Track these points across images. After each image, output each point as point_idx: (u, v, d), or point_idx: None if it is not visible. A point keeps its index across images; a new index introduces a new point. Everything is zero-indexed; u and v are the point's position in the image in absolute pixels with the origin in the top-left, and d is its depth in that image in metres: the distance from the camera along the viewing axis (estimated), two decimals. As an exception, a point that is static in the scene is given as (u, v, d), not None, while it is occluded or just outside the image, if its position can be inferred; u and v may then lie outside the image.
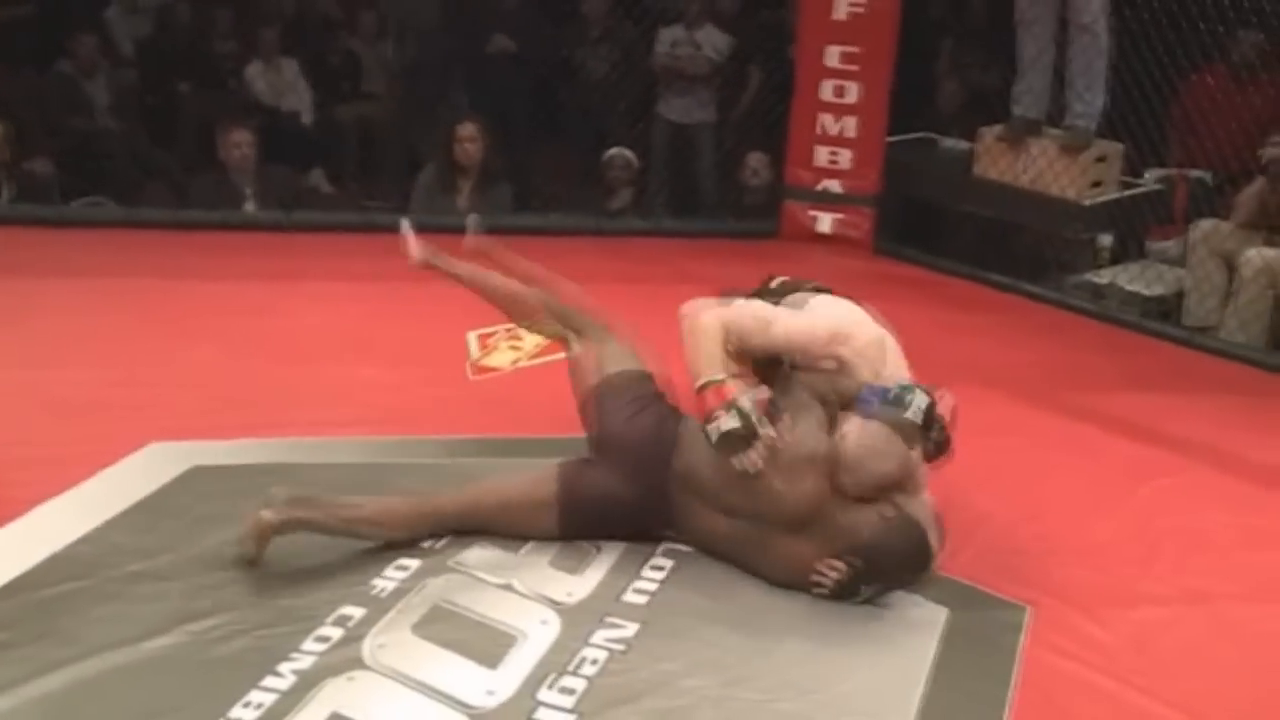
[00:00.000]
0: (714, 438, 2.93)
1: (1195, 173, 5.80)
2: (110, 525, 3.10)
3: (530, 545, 3.09)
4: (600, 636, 2.78)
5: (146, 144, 6.63)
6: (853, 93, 5.78)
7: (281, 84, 6.96)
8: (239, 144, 5.73)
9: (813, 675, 2.71)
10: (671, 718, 2.57)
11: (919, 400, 2.94)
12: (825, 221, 5.94)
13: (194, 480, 3.34)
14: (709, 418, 2.94)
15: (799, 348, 3.13)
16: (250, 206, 5.76)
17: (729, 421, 2.91)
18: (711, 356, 3.01)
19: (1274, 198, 4.98)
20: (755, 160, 6.28)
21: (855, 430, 2.92)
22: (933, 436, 2.97)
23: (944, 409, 2.99)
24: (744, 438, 2.91)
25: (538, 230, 5.82)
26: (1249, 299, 4.91)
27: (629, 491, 3.01)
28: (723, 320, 3.08)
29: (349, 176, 6.97)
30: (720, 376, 2.97)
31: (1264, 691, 2.82)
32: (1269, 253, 4.91)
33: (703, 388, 2.98)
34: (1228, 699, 2.77)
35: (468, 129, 5.79)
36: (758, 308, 3.22)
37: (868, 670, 2.75)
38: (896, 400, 2.94)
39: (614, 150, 6.31)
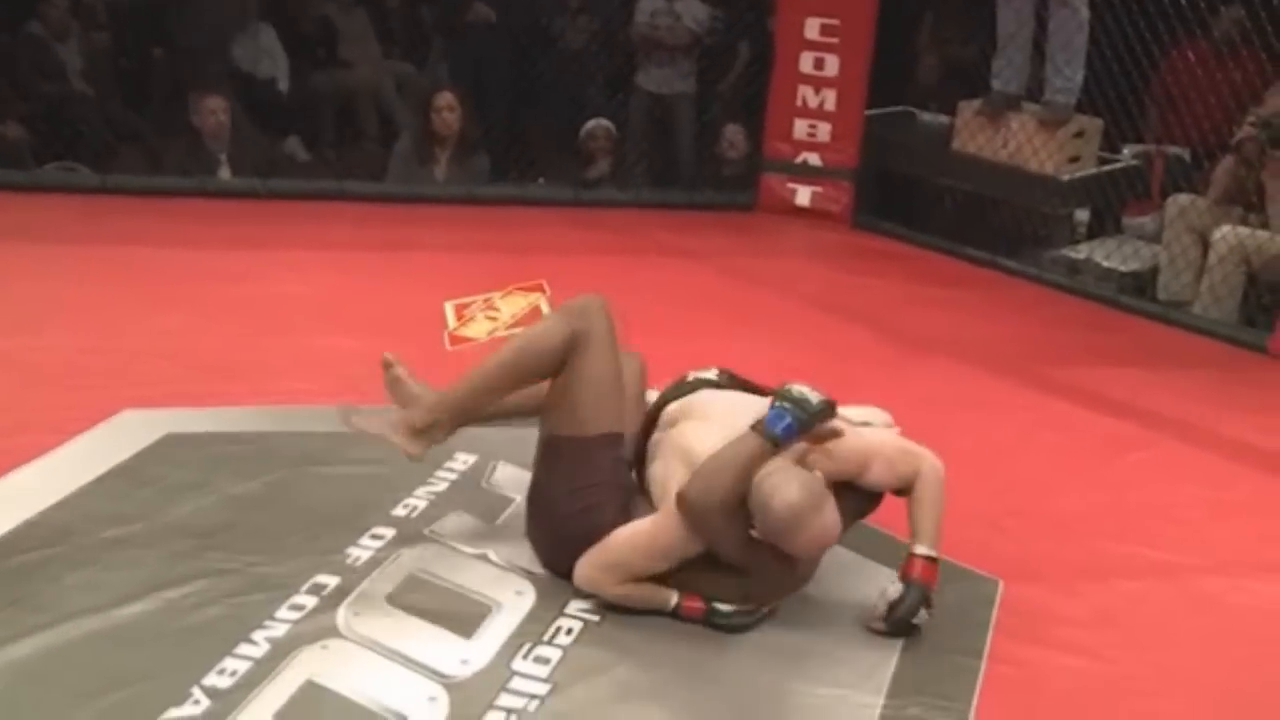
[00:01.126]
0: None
1: (1173, 149, 5.81)
2: (84, 492, 3.09)
3: (507, 515, 3.09)
4: (575, 606, 2.78)
5: (120, 108, 6.55)
6: (832, 65, 5.77)
7: (258, 50, 6.89)
8: (214, 111, 5.69)
9: (786, 647, 2.73)
10: (646, 687, 2.58)
11: (805, 395, 2.69)
12: (804, 194, 5.94)
13: (168, 447, 3.33)
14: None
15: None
16: (225, 173, 5.72)
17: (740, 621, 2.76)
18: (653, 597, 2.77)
19: (1247, 176, 5.00)
20: (731, 133, 6.26)
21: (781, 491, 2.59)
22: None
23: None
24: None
25: (515, 200, 5.82)
26: (1222, 276, 4.94)
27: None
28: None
29: (326, 144, 6.92)
30: (674, 599, 2.76)
31: (1231, 663, 2.84)
32: (1242, 231, 4.93)
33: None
34: (1197, 671, 2.80)
35: (445, 98, 5.75)
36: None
37: (841, 641, 2.76)
38: (799, 406, 2.67)
39: (594, 122, 6.29)
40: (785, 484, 2.58)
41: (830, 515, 2.60)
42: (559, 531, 2.82)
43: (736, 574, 2.72)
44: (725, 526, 2.65)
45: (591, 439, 2.81)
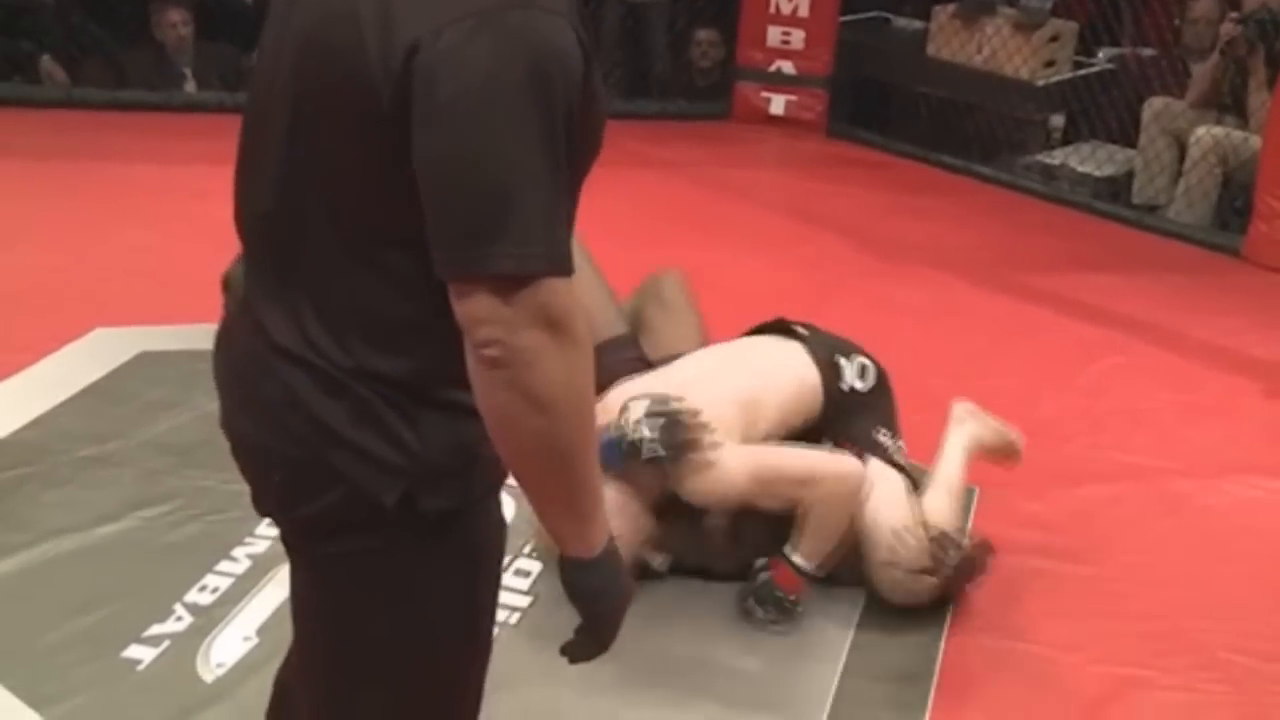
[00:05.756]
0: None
1: (1148, 51, 5.77)
2: (58, 411, 3.07)
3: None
4: (554, 518, 2.79)
5: (83, 19, 6.41)
6: (806, -30, 5.70)
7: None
8: (174, 24, 5.57)
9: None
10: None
11: (645, 431, 2.40)
12: (778, 103, 5.88)
13: (142, 366, 3.31)
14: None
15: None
16: (190, 87, 5.62)
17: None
18: None
19: (1227, 76, 4.98)
20: (705, 37, 6.14)
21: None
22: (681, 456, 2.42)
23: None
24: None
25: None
26: (1198, 178, 4.93)
27: None
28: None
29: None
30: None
31: (1202, 561, 2.89)
32: (1218, 131, 4.92)
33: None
34: (1169, 570, 2.85)
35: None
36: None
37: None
38: (628, 448, 2.41)
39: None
40: None
41: None
42: None
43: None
44: None
45: None
